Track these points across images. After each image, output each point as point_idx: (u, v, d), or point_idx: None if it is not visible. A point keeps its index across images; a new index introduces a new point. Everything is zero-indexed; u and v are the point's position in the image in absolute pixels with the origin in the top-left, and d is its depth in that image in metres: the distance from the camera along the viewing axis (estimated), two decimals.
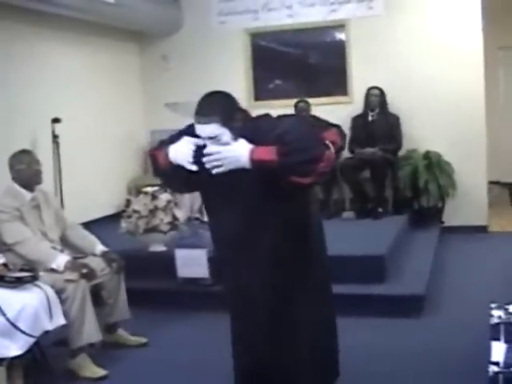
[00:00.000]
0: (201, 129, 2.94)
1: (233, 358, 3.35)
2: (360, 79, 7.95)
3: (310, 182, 2.86)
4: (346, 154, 7.74)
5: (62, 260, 4.32)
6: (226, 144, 2.92)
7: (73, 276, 4.22)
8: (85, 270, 4.30)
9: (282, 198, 2.98)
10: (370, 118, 7.66)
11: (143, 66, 8.86)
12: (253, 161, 2.83)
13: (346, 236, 6.29)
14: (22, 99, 6.54)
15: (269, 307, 3.13)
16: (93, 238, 4.77)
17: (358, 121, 7.71)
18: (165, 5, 8.33)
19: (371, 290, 5.20)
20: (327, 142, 2.87)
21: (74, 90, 7.42)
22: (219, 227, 3.22)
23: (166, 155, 3.10)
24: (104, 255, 4.61)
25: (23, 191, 4.48)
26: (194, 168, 2.98)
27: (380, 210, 7.25)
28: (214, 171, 2.90)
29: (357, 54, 8.06)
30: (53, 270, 4.27)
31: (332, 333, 3.53)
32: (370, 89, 7.65)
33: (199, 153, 2.96)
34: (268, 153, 2.82)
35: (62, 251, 4.49)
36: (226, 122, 2.92)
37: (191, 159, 2.98)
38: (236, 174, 2.92)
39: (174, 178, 3.21)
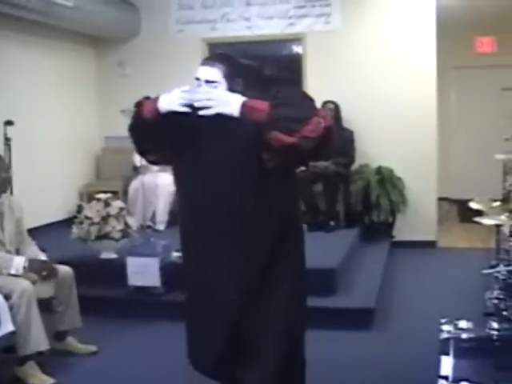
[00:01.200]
0: (202, 70, 3.00)
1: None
2: (315, 93, 7.77)
3: (292, 142, 2.72)
4: None
5: (19, 263, 4.27)
6: None
7: (33, 278, 4.17)
8: (44, 272, 4.26)
9: (266, 174, 2.94)
10: None
11: (99, 71, 8.79)
12: (243, 106, 2.81)
13: None
14: None
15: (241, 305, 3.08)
16: (35, 249, 4.63)
17: None
18: (123, 10, 8.29)
19: (322, 303, 5.22)
20: (319, 113, 2.84)
21: (28, 92, 7.32)
22: (191, 195, 3.13)
23: (154, 103, 3.01)
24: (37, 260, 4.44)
25: None
26: (184, 109, 2.91)
27: (332, 223, 7.31)
28: (203, 112, 2.84)
29: (313, 68, 8.14)
30: (13, 276, 4.21)
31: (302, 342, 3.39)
32: (325, 103, 7.71)
33: (191, 97, 2.91)
34: (260, 103, 2.83)
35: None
36: (228, 76, 3.00)
37: (182, 101, 2.92)
38: (223, 127, 2.90)
39: (152, 134, 3.08)
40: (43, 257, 4.54)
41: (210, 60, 3.06)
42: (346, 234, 7.09)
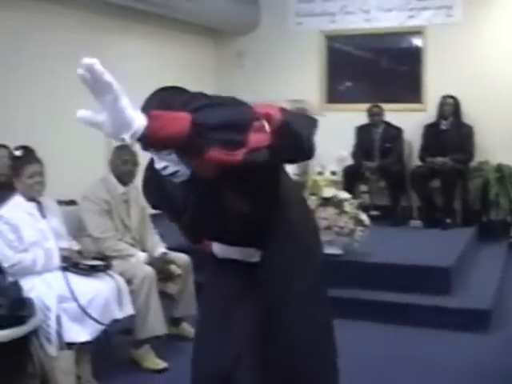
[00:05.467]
0: None
1: None
2: (434, 87, 7.86)
3: (241, 160, 1.95)
4: (416, 162, 7.71)
5: (141, 257, 4.47)
6: None
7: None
8: (161, 275, 4.45)
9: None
10: (442, 127, 7.57)
11: (218, 62, 8.95)
12: (150, 119, 1.83)
13: (412, 245, 6.27)
14: None
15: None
16: (156, 238, 4.80)
17: (430, 129, 7.63)
18: (243, 3, 8.40)
19: (436, 302, 5.15)
20: (258, 114, 2.07)
21: (148, 82, 7.50)
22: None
23: None
24: (159, 258, 4.60)
25: (117, 184, 4.61)
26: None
27: (448, 220, 7.16)
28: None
29: (433, 61, 7.98)
30: None
31: None
32: (444, 97, 7.56)
33: None
34: (175, 112, 1.94)
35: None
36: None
37: None
38: None
39: None
40: (162, 248, 4.70)
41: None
42: (462, 232, 6.92)
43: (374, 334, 4.87)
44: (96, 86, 1.73)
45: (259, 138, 2.00)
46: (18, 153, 4.61)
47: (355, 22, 8.31)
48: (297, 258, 2.43)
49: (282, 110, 2.17)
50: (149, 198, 2.55)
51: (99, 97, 1.75)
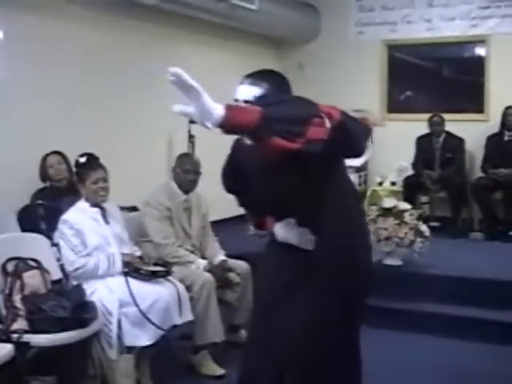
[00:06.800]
0: (241, 90, 2.68)
1: None
2: (498, 97, 7.73)
3: (297, 148, 2.30)
4: (478, 173, 7.59)
5: (201, 264, 4.52)
6: None
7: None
8: (219, 283, 4.47)
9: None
10: (506, 138, 7.43)
11: (280, 72, 8.95)
12: (227, 110, 2.25)
13: (472, 257, 6.17)
14: (161, 99, 6.77)
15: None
16: (216, 246, 4.85)
17: (493, 140, 7.51)
18: (304, 13, 8.42)
19: (497, 316, 5.04)
20: (322, 112, 2.40)
21: (211, 91, 7.58)
22: None
23: None
24: (218, 266, 4.64)
25: (178, 191, 4.67)
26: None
27: (510, 233, 7.02)
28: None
29: (496, 71, 7.85)
30: None
31: None
32: (508, 108, 7.42)
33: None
34: (248, 106, 2.51)
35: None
36: (270, 93, 2.65)
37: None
38: None
39: None
40: (222, 256, 4.74)
41: (249, 78, 2.70)
42: None
43: (433, 348, 4.79)
44: (183, 88, 2.19)
45: (317, 131, 2.33)
46: (82, 159, 4.73)
47: (417, 32, 8.24)
48: (347, 254, 2.70)
49: (343, 112, 2.49)
50: (225, 183, 3.00)
51: (186, 94, 2.21)
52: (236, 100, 2.67)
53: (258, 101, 2.55)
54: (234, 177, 2.93)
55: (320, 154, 2.34)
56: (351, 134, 2.52)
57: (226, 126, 2.25)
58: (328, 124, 2.37)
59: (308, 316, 2.67)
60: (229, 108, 2.26)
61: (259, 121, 2.26)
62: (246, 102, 2.63)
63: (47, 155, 5.05)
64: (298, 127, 2.30)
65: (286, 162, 2.48)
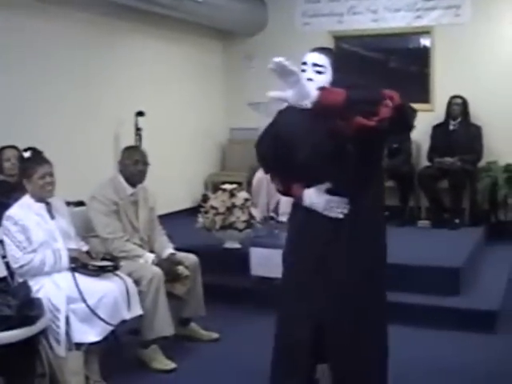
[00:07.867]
0: (311, 55, 3.15)
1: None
2: (443, 87, 7.86)
3: (374, 126, 2.83)
4: (424, 162, 7.70)
5: (149, 258, 4.48)
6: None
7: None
8: (168, 277, 4.44)
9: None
10: (451, 128, 7.57)
11: (226, 64, 8.97)
12: (321, 91, 2.83)
13: (420, 245, 6.26)
14: (107, 93, 6.71)
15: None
16: (164, 239, 4.82)
17: (439, 129, 7.63)
18: (250, 4, 8.41)
19: (444, 302, 5.14)
20: (386, 95, 2.94)
21: (157, 84, 7.57)
22: None
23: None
24: (167, 259, 4.61)
25: (125, 185, 4.62)
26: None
27: (456, 220, 7.15)
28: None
29: (441, 62, 7.97)
30: None
31: None
32: (452, 97, 7.55)
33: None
34: (336, 89, 2.92)
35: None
36: (333, 66, 3.15)
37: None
38: None
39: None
40: (171, 249, 4.71)
41: (319, 48, 3.21)
42: (470, 233, 6.91)
43: None
44: (283, 74, 2.77)
45: (386, 111, 2.84)
46: (27, 154, 4.63)
47: (363, 23, 8.32)
48: (372, 228, 3.32)
49: (401, 96, 2.96)
50: (263, 148, 3.36)
51: (286, 79, 2.78)
52: (304, 63, 3.13)
53: (325, 70, 3.10)
54: (275, 142, 3.26)
55: (386, 130, 2.86)
56: (407, 114, 3.02)
57: (320, 104, 2.78)
58: (391, 104, 2.86)
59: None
60: (322, 90, 2.82)
61: (344, 101, 2.79)
62: (315, 64, 3.11)
63: (3, 148, 4.97)
64: (374, 107, 2.83)
65: (356, 136, 2.92)
